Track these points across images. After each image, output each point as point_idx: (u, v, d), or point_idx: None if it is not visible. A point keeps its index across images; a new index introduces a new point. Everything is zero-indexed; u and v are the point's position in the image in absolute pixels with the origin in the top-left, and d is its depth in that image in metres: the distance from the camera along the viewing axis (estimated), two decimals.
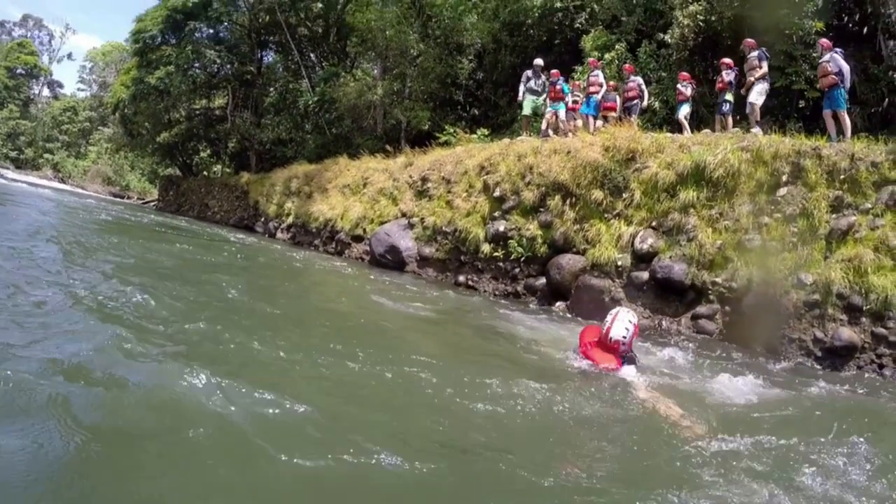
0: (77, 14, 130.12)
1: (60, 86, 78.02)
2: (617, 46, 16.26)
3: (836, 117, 9.74)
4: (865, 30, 13.25)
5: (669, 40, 15.02)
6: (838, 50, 10.01)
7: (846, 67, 9.72)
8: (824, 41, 10.37)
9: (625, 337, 5.24)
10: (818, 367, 7.34)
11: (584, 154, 10.77)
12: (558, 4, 18.41)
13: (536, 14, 19.04)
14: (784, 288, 7.89)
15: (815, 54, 10.65)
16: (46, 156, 66.19)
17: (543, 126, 14.13)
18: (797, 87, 12.98)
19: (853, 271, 7.51)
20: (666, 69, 14.95)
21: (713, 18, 14.21)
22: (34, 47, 72.99)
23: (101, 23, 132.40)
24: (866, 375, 7.14)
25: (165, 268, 8.77)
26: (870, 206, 7.90)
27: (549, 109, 14.14)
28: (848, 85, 9.80)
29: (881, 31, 12.86)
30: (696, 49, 14.68)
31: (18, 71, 69.49)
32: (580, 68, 16.15)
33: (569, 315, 9.68)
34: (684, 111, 12.33)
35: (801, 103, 13.57)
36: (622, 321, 5.30)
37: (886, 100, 12.75)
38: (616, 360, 5.22)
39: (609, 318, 5.38)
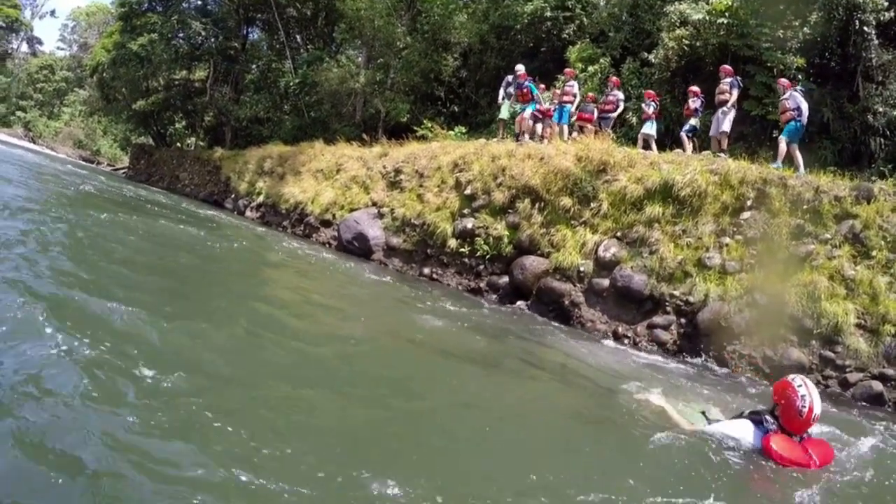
0: None
1: (40, 42, 75.32)
2: (601, 60, 16.52)
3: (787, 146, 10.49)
4: (845, 70, 13.60)
5: (654, 60, 15.29)
6: (798, 88, 10.88)
7: (804, 105, 10.53)
8: (784, 81, 11.17)
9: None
10: (765, 382, 7.53)
11: (557, 161, 10.95)
12: (548, 13, 18.61)
13: (525, 20, 19.19)
14: (739, 306, 8.18)
15: (780, 92, 11.12)
16: (19, 113, 63.88)
17: (517, 129, 14.27)
18: (772, 117, 13.22)
19: (807, 296, 7.81)
20: (647, 87, 15.18)
21: (698, 44, 14.46)
22: (17, 0, 70.86)
23: None
24: None
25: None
26: (829, 236, 8.24)
27: (517, 109, 14.30)
28: (805, 120, 10.55)
29: (860, 73, 13.18)
30: (678, 71, 14.94)
31: None
32: (562, 77, 16.35)
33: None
34: (647, 129, 12.67)
35: (775, 133, 13.91)
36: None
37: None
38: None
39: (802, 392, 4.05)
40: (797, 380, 4.13)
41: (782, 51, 13.36)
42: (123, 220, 10.80)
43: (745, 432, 4.12)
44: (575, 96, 13.84)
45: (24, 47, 72.71)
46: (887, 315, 7.46)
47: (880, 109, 12.58)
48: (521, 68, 14.19)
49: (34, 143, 56.10)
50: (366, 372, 5.11)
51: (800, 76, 13.21)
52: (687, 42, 14.50)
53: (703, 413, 4.68)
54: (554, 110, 14.06)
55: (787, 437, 3.99)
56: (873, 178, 10.57)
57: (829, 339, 7.61)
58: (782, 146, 10.41)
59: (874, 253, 7.92)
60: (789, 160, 10.36)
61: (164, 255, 8.47)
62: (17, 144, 39.04)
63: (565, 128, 13.63)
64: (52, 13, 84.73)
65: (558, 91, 14.58)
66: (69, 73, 65.07)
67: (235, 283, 8.26)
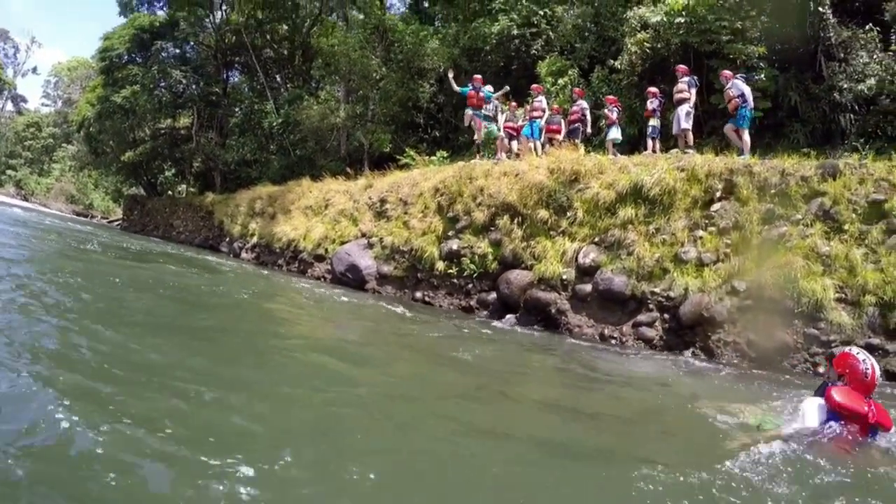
0: (43, 24, 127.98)
1: (24, 100, 76.21)
2: (570, 72, 16.86)
3: (738, 134, 10.95)
4: (807, 52, 13.89)
5: (619, 66, 15.66)
6: (739, 76, 11.35)
7: (747, 90, 11.02)
8: (726, 72, 11.63)
9: None
10: (755, 369, 7.68)
11: (531, 176, 11.29)
12: (515, 31, 18.96)
13: (494, 40, 19.57)
14: (719, 295, 8.38)
15: (723, 83, 11.49)
16: (9, 172, 64.63)
17: (476, 138, 14.85)
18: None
19: (784, 277, 7.97)
20: (617, 93, 15.52)
21: (659, 45, 14.79)
22: None
23: (68, 36, 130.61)
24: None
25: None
26: (800, 217, 8.46)
27: (468, 112, 14.64)
28: (751, 104, 11.02)
29: (821, 52, 13.43)
30: (644, 74, 15.24)
31: None
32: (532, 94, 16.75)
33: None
34: (612, 134, 13.03)
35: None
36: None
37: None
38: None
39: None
40: (853, 349, 4.36)
41: (743, 42, 13.61)
42: (131, 273, 11.00)
43: (815, 406, 4.15)
44: (544, 111, 14.22)
45: (10, 106, 73.39)
46: (866, 286, 7.57)
47: (845, 86, 12.74)
48: (478, 77, 14.66)
49: (27, 200, 56.56)
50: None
51: (762, 64, 13.52)
52: (649, 45, 14.85)
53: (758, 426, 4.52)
54: (524, 125, 14.45)
55: (849, 389, 4.08)
56: (846, 154, 10.83)
57: (812, 317, 7.70)
58: (746, 137, 10.77)
59: (846, 227, 8.11)
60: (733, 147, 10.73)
61: (175, 308, 8.41)
62: (10, 203, 39.35)
63: (538, 143, 13.97)
64: (34, 70, 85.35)
65: (527, 107, 14.96)
66: (56, 129, 65.52)
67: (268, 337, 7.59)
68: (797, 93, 13.38)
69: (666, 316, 8.87)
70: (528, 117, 14.49)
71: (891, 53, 12.67)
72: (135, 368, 4.52)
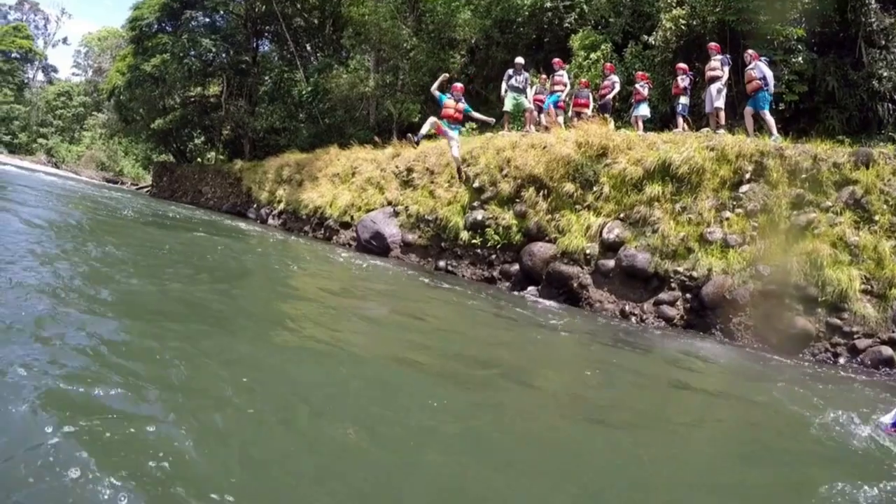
0: None
1: (55, 70, 77.83)
2: (603, 46, 16.65)
3: (757, 117, 10.93)
4: (847, 37, 13.60)
5: (653, 42, 15.44)
6: (763, 58, 11.14)
7: (769, 74, 10.89)
8: (751, 52, 11.36)
9: None
10: (775, 355, 7.59)
11: (558, 149, 11.23)
12: (548, 4, 18.76)
13: (526, 12, 19.38)
14: (742, 278, 8.29)
15: (748, 63, 11.32)
16: (40, 140, 65.89)
17: (526, 123, 14.59)
18: (776, 90, 13.28)
19: (811, 264, 7.86)
20: (650, 70, 15.33)
21: (695, 23, 14.58)
22: (29, 31, 72.08)
23: (97, 8, 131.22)
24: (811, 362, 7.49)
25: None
26: (830, 204, 8.30)
27: (521, 101, 14.46)
28: (772, 89, 10.93)
29: (862, 38, 13.16)
30: (679, 51, 15.03)
31: (13, 55, 68.76)
32: (566, 66, 16.56)
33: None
34: (641, 111, 12.93)
35: (781, 106, 14.00)
36: None
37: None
38: None
39: None
40: None
41: (781, 23, 13.33)
42: (163, 237, 11.29)
43: None
44: (565, 85, 14.29)
45: (40, 76, 74.94)
46: (894, 279, 7.47)
47: (885, 74, 12.55)
48: (520, 61, 14.46)
49: (57, 168, 57.47)
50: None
51: (800, 47, 13.26)
52: (684, 22, 14.64)
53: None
54: (546, 98, 14.45)
55: None
56: (882, 144, 10.63)
57: (835, 307, 7.60)
58: (769, 117, 10.71)
59: (877, 217, 7.95)
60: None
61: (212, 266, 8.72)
62: (41, 170, 40.07)
63: (552, 108, 14.12)
64: (65, 41, 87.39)
65: (550, 81, 14.92)
66: (86, 98, 66.58)
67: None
68: (835, 78, 13.14)
69: (688, 296, 8.82)
70: (549, 91, 14.51)
71: None
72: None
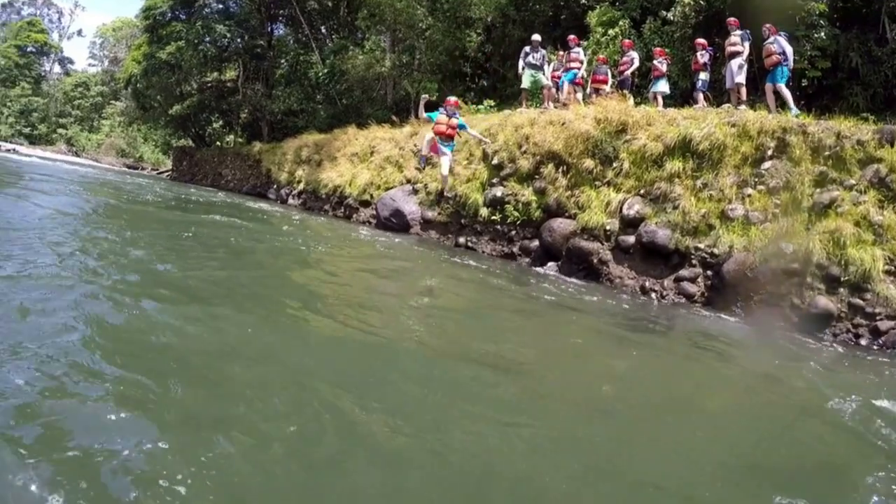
0: None
1: (71, 62, 78.95)
2: (621, 22, 16.49)
3: (776, 93, 10.83)
4: (870, 12, 13.37)
5: (672, 17, 15.27)
6: (782, 34, 11.08)
7: (789, 49, 10.86)
8: (769, 26, 11.30)
9: None
10: (794, 331, 7.52)
11: (577, 126, 11.15)
12: None
13: None
14: (764, 256, 8.15)
15: (766, 37, 11.25)
16: (60, 130, 67.12)
17: (543, 100, 14.51)
18: (799, 66, 13.14)
19: (833, 243, 7.73)
20: (669, 46, 15.19)
21: None
22: (44, 25, 73.45)
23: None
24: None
25: None
26: (854, 182, 8.14)
27: (538, 77, 14.38)
28: (791, 64, 10.94)
29: (886, 13, 12.94)
30: (698, 27, 14.86)
31: (29, 49, 70.08)
32: (584, 43, 16.43)
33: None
34: (660, 87, 12.86)
35: (804, 82, 13.83)
36: None
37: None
38: None
39: None
40: None
41: None
42: (186, 220, 11.45)
43: None
44: (581, 62, 14.17)
45: (57, 68, 76.36)
46: None
47: None
48: (537, 38, 14.39)
49: (78, 156, 58.37)
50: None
51: (822, 22, 13.06)
52: None
53: None
54: (562, 75, 14.38)
55: None
56: None
57: (858, 287, 7.46)
58: (785, 93, 10.64)
59: None
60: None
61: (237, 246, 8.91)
62: (62, 160, 40.55)
63: (567, 85, 14.03)
64: (79, 32, 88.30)
65: (567, 58, 14.80)
66: (104, 88, 67.72)
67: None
68: (858, 54, 12.96)
69: (709, 273, 8.75)
70: (565, 68, 14.41)
71: None
72: None
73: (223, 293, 5.55)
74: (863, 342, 7.28)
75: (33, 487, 2.25)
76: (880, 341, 7.20)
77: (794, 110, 10.15)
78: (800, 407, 4.61)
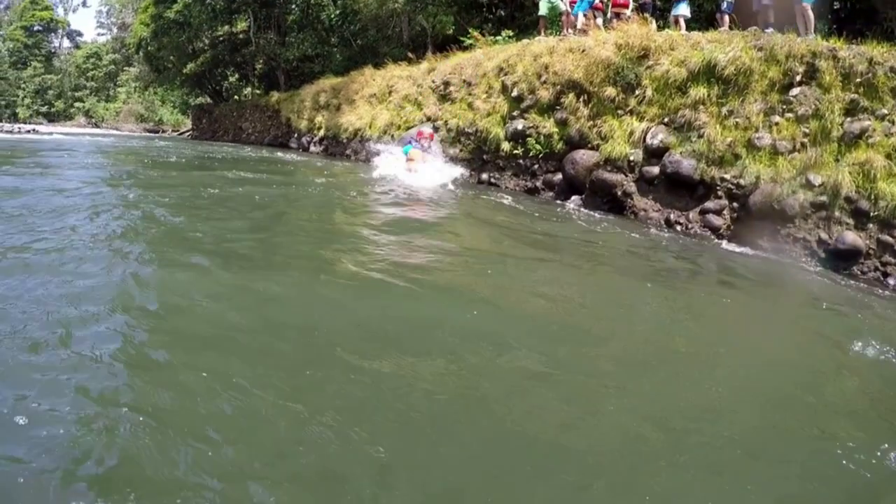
0: None
1: (80, 34, 78.30)
2: None
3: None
4: None
5: None
6: None
7: None
8: None
9: None
10: (819, 267, 7.38)
11: (597, 52, 10.79)
12: None
13: None
14: (792, 187, 7.85)
15: None
16: (77, 105, 67.33)
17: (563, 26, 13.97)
18: None
19: (863, 176, 7.41)
20: None
21: None
22: (47, 2, 72.32)
23: None
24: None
25: None
26: (886, 111, 7.71)
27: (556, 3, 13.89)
28: None
29: None
30: None
31: (36, 28, 69.77)
32: None
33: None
34: (681, 10, 12.30)
35: (836, 5, 13.30)
36: None
37: None
38: None
39: None
40: None
41: None
42: (211, 180, 11.32)
43: None
44: None
45: (67, 42, 75.81)
46: None
47: None
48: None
49: (97, 127, 58.85)
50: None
51: None
52: None
53: None
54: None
55: None
56: None
57: (888, 223, 7.14)
58: (810, 13, 9.99)
59: None
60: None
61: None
62: (81, 133, 40.62)
63: (581, 16, 13.27)
64: (84, 3, 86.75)
65: None
66: (115, 55, 67.19)
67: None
68: None
69: (735, 205, 8.51)
70: None
71: None
72: None
73: (260, 256, 5.59)
74: (891, 281, 6.97)
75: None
76: None
77: (812, 35, 9.60)
78: (833, 350, 4.50)
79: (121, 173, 12.17)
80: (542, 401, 3.15)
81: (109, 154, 17.93)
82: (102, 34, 75.20)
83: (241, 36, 35.12)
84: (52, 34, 73.46)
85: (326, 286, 4.74)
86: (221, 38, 35.62)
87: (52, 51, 72.52)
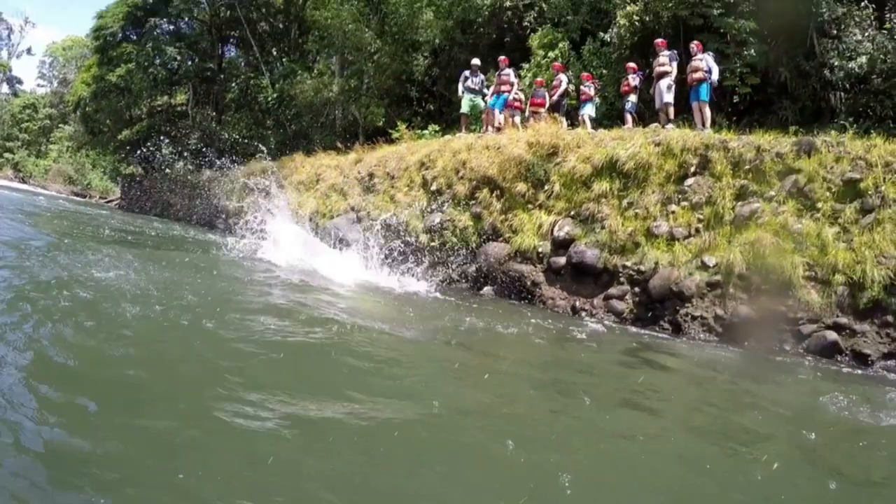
0: (36, 3, 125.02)
1: (20, 82, 74.57)
2: (561, 44, 16.77)
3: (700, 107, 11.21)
4: (799, 27, 13.71)
5: (608, 39, 15.59)
6: (709, 52, 11.57)
7: (714, 66, 11.30)
8: (697, 43, 11.78)
9: None
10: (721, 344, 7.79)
11: (510, 150, 11.38)
12: (507, 3, 18.93)
13: (487, 12, 19.48)
14: (688, 270, 8.45)
15: (693, 54, 11.68)
16: (7, 155, 64.51)
17: (484, 124, 14.72)
18: (729, 83, 13.47)
19: (754, 254, 8.00)
20: (608, 66, 15.50)
21: (648, 19, 14.73)
22: None
23: (61, 14, 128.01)
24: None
25: None
26: (773, 193, 8.45)
27: (476, 102, 14.69)
28: (715, 81, 11.33)
29: (814, 28, 13.28)
30: (634, 47, 15.20)
31: None
32: (526, 66, 16.70)
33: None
34: (587, 110, 13.19)
35: (735, 99, 14.21)
36: None
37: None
38: None
39: None
40: None
41: (733, 16, 13.44)
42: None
43: None
44: (512, 84, 14.09)
45: (5, 88, 72.10)
46: (837, 265, 7.50)
47: (837, 63, 12.62)
48: (476, 62, 14.67)
49: (25, 182, 56.41)
50: None
51: (752, 39, 13.40)
52: (638, 18, 14.78)
53: None
54: (491, 98, 14.41)
55: None
56: (835, 132, 10.75)
57: (780, 294, 7.68)
58: (706, 111, 11.05)
59: (820, 205, 8.04)
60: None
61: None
62: (8, 186, 39.36)
63: (498, 114, 14.05)
64: (29, 51, 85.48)
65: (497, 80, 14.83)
66: (52, 110, 64.79)
67: None
68: (787, 69, 13.33)
69: (636, 289, 8.96)
70: (494, 90, 14.38)
71: (884, 32, 12.56)
72: None
73: None
74: (787, 347, 7.48)
75: None
76: (804, 345, 7.43)
77: (707, 130, 10.49)
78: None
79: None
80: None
81: (42, 217, 17.33)
82: (42, 86, 72.33)
83: (178, 108, 35.12)
84: None
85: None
86: (160, 108, 35.43)
87: None
